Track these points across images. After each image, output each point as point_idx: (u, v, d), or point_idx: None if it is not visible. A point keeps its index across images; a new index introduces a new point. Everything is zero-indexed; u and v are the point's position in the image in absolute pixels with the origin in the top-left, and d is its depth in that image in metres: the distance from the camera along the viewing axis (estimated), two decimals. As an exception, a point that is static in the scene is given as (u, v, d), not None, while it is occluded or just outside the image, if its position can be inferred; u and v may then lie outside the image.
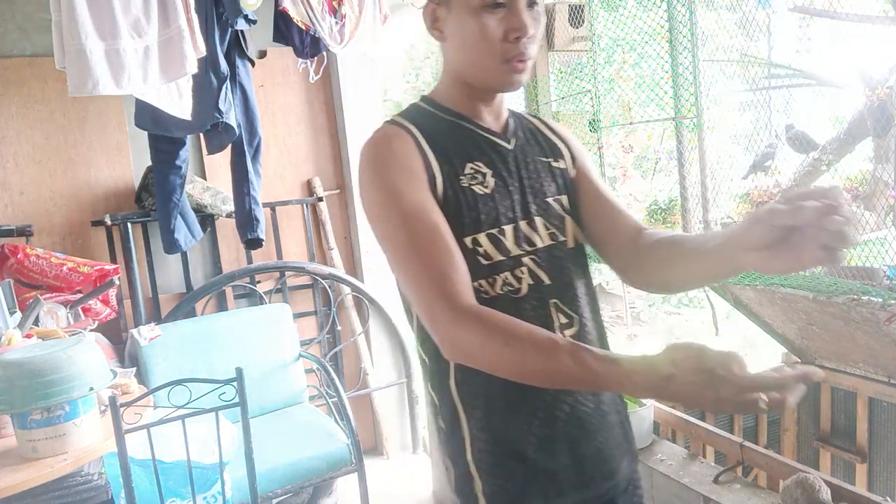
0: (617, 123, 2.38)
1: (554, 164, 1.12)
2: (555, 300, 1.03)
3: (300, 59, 2.86)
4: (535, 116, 1.21)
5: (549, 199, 1.08)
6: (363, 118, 3.27)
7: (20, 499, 1.68)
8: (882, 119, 1.71)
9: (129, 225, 2.78)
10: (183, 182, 2.63)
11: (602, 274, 4.76)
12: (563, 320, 1.03)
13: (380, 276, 3.34)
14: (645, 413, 2.11)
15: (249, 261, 3.09)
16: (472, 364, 0.91)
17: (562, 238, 1.08)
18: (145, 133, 2.54)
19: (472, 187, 1.01)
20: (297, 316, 3.15)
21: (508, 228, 1.02)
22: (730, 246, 0.82)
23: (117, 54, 1.89)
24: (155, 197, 2.68)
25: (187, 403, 1.71)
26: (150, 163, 2.68)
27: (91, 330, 2.40)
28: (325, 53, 2.82)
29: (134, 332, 2.60)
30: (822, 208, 0.71)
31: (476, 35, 0.98)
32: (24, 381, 1.66)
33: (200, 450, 1.90)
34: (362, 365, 3.33)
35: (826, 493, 1.44)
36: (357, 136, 3.26)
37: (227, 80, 2.46)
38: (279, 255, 3.17)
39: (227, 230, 3.04)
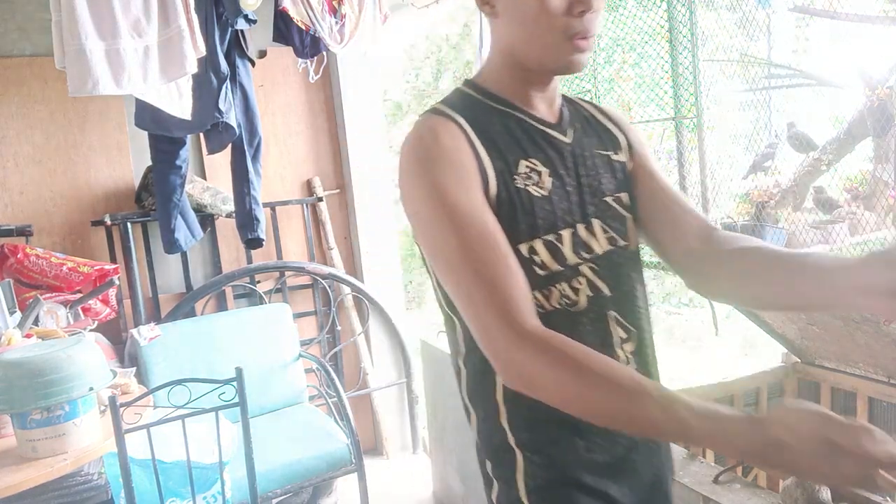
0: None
1: (613, 156, 1.01)
2: (614, 313, 0.94)
3: (300, 59, 2.86)
4: (588, 101, 1.09)
5: (608, 199, 0.97)
6: (363, 118, 3.27)
7: (20, 499, 1.68)
8: (882, 119, 1.71)
9: (129, 225, 2.78)
10: (183, 182, 2.63)
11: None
12: (622, 335, 0.94)
13: (380, 276, 3.34)
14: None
15: (249, 261, 3.09)
16: (535, 395, 0.81)
17: (622, 242, 0.97)
18: (145, 133, 2.54)
19: (528, 188, 0.90)
20: (297, 316, 3.15)
21: (566, 234, 0.92)
22: (844, 281, 0.75)
23: (117, 54, 1.89)
24: (155, 197, 2.68)
25: (187, 403, 1.71)
26: (150, 163, 2.68)
27: (91, 330, 2.40)
28: (325, 53, 2.82)
29: (134, 332, 2.60)
30: None
31: (535, 8, 0.86)
32: (24, 381, 1.66)
33: (200, 450, 1.90)
34: (362, 365, 3.33)
35: (826, 493, 1.44)
36: (357, 136, 3.26)
37: (227, 80, 2.46)
38: (279, 255, 3.17)
39: (227, 230, 3.04)
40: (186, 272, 2.98)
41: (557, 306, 0.90)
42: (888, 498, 1.33)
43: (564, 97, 1.02)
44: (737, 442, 0.70)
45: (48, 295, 2.41)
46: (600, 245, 0.95)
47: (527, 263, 0.88)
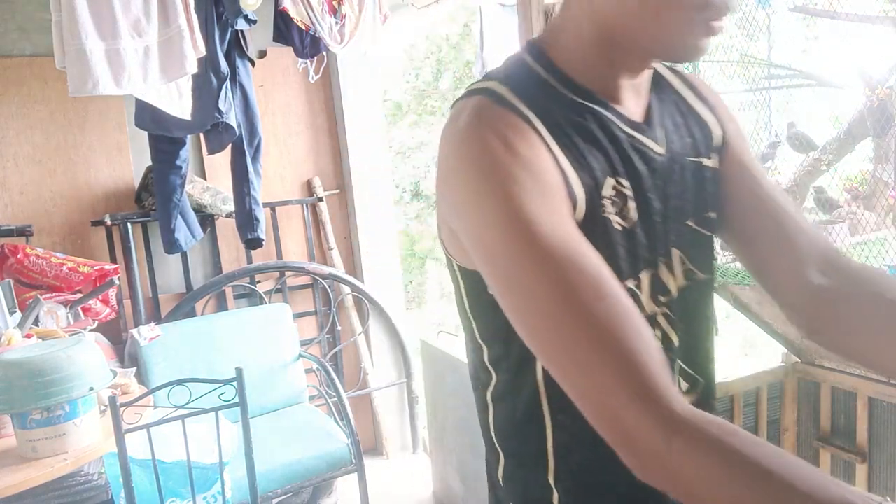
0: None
1: (706, 162, 0.79)
2: (681, 363, 0.78)
3: (300, 59, 2.86)
4: (669, 67, 0.83)
5: (691, 223, 0.77)
6: (363, 118, 3.27)
7: (20, 499, 1.68)
8: (882, 119, 1.71)
9: (129, 225, 2.78)
10: (183, 182, 2.63)
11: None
12: (685, 385, 0.78)
13: (380, 276, 3.34)
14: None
15: (249, 261, 3.09)
16: (676, 493, 0.60)
17: (701, 276, 0.79)
18: (145, 133, 2.54)
19: (610, 217, 0.70)
20: (297, 316, 3.15)
21: (646, 277, 0.74)
22: None
23: (117, 54, 1.89)
24: (155, 197, 2.68)
25: (187, 403, 1.71)
26: (150, 163, 2.68)
27: (91, 330, 2.40)
28: (325, 53, 2.82)
29: (134, 332, 2.60)
30: None
31: None
32: (24, 381, 1.66)
33: (200, 450, 1.90)
34: (362, 365, 3.33)
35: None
36: (357, 136, 3.26)
37: (227, 80, 2.46)
38: (279, 255, 3.17)
39: (227, 230, 3.04)
40: (186, 272, 2.98)
41: None
42: (888, 498, 1.33)
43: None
44: None
45: (48, 295, 2.41)
46: (676, 283, 0.76)
47: None
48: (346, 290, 3.27)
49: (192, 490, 1.81)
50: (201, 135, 2.72)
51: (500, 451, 0.81)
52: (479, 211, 0.66)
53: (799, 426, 1.96)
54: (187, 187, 2.72)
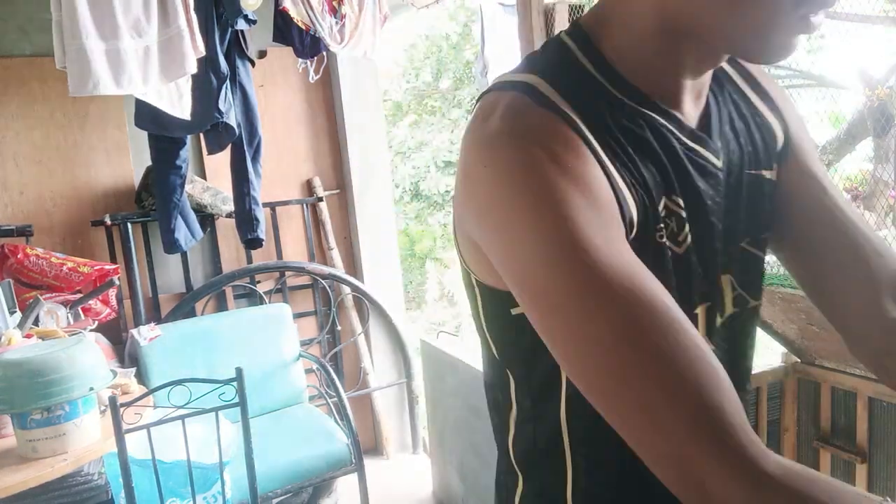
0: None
1: (766, 174, 0.69)
2: None
3: (300, 59, 2.86)
4: (731, 60, 0.71)
5: (745, 244, 0.68)
6: (363, 118, 3.27)
7: (20, 499, 1.68)
8: (882, 119, 1.71)
9: (129, 225, 2.78)
10: (183, 182, 2.63)
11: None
12: None
13: (380, 276, 3.34)
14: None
15: (249, 261, 3.09)
16: None
17: (752, 302, 0.70)
18: (145, 133, 2.54)
19: (664, 242, 0.60)
20: (297, 316, 3.15)
21: (701, 311, 0.64)
22: None
23: (118, 54, 1.89)
24: (155, 197, 2.68)
25: (187, 403, 1.71)
26: (150, 163, 2.68)
27: (91, 330, 2.40)
28: (325, 53, 2.82)
29: (134, 332, 2.60)
30: None
31: None
32: (24, 381, 1.66)
33: (200, 450, 1.90)
34: (362, 365, 3.33)
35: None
36: (357, 136, 3.26)
37: (227, 80, 2.46)
38: (279, 255, 3.17)
39: (227, 230, 3.04)
40: (186, 272, 2.98)
41: None
42: (888, 498, 1.33)
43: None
44: None
45: (48, 295, 2.41)
46: (725, 310, 0.67)
47: None
48: (346, 290, 3.27)
49: (192, 490, 1.81)
50: (201, 135, 2.72)
51: (519, 474, 0.74)
52: (518, 234, 0.55)
53: (799, 426, 1.97)
54: (187, 187, 2.72)
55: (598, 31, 0.62)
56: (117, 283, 2.63)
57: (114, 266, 2.65)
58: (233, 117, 2.50)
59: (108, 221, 2.75)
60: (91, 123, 2.82)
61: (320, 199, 3.25)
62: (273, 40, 2.76)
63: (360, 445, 2.54)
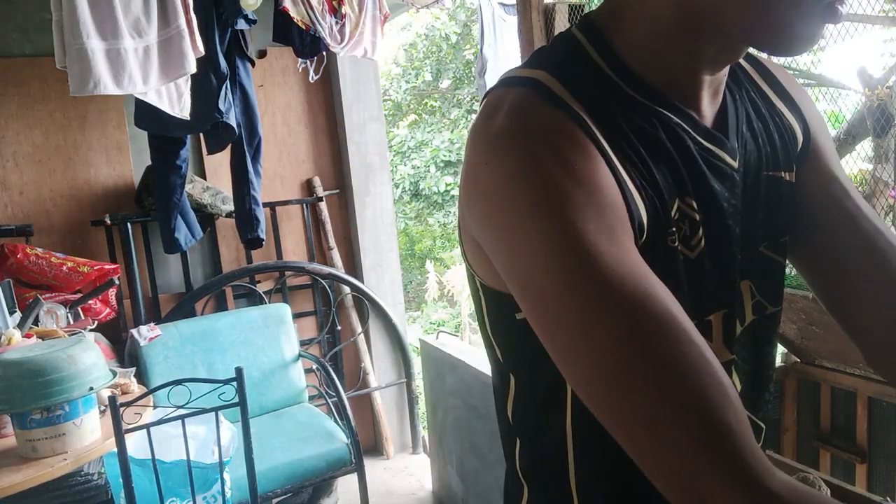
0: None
1: (785, 176, 0.66)
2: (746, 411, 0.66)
3: (300, 59, 2.86)
4: (748, 56, 0.69)
5: (764, 249, 0.66)
6: (363, 118, 3.27)
7: (20, 499, 1.68)
8: (882, 119, 1.71)
9: (129, 225, 2.79)
10: (183, 182, 2.63)
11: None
12: None
13: (380, 276, 3.34)
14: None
15: (249, 261, 3.09)
16: None
17: (771, 309, 0.68)
18: (145, 133, 2.54)
19: (677, 246, 0.58)
20: (297, 316, 3.15)
21: (716, 319, 0.62)
22: None
23: (118, 54, 1.89)
24: (155, 197, 2.68)
25: (187, 403, 1.71)
26: (150, 163, 2.68)
27: (91, 330, 2.40)
28: (324, 53, 2.82)
29: (134, 332, 2.60)
30: None
31: None
32: (24, 380, 1.66)
33: (200, 450, 1.90)
34: (362, 365, 3.33)
35: (826, 493, 1.44)
36: (357, 136, 3.26)
37: (227, 80, 2.46)
38: (279, 255, 3.17)
39: (227, 230, 3.04)
40: (186, 272, 2.98)
41: None
42: (888, 498, 1.33)
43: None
44: None
45: (48, 295, 2.41)
46: (744, 319, 0.65)
47: None
48: (346, 289, 3.28)
49: (192, 490, 1.81)
50: (201, 135, 2.72)
51: (524, 484, 0.71)
52: (521, 236, 0.53)
53: (799, 426, 1.97)
54: (187, 187, 2.72)
55: (610, 25, 0.59)
56: (117, 282, 2.63)
57: (113, 266, 2.65)
58: (233, 117, 2.50)
59: (108, 221, 2.75)
60: (91, 123, 2.82)
61: (320, 199, 3.25)
62: (273, 40, 2.76)
63: (360, 445, 2.54)
